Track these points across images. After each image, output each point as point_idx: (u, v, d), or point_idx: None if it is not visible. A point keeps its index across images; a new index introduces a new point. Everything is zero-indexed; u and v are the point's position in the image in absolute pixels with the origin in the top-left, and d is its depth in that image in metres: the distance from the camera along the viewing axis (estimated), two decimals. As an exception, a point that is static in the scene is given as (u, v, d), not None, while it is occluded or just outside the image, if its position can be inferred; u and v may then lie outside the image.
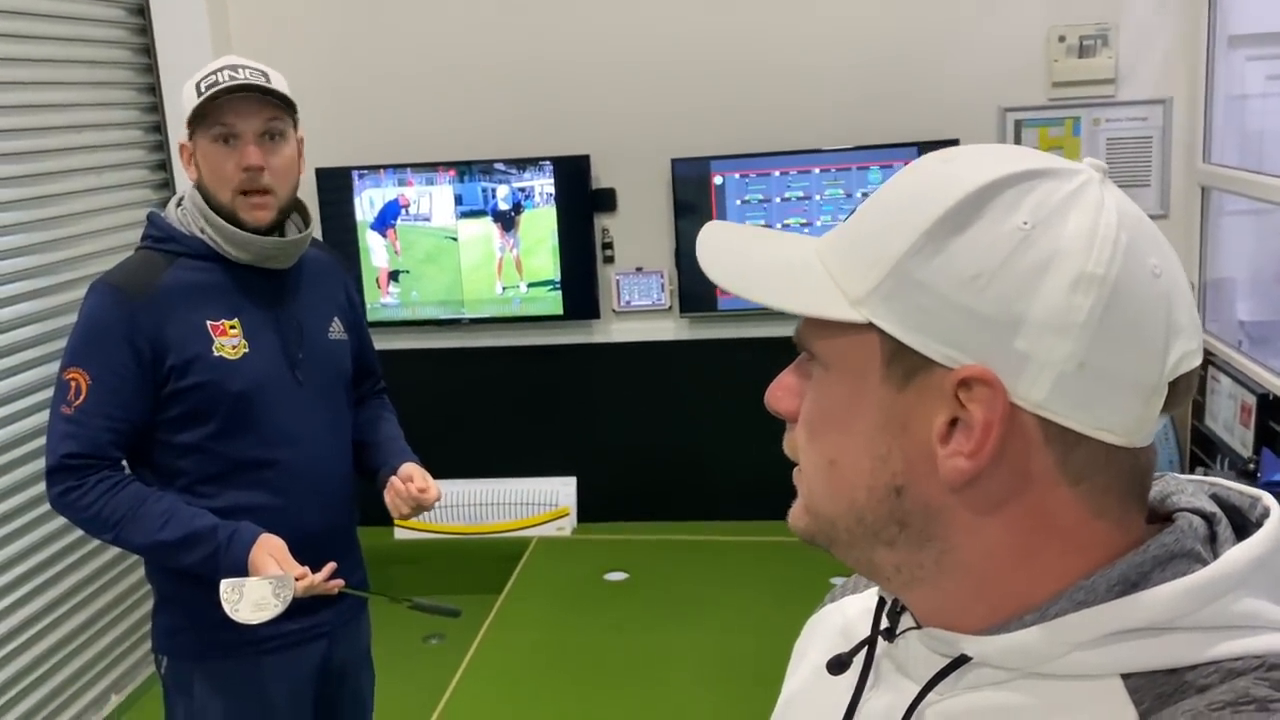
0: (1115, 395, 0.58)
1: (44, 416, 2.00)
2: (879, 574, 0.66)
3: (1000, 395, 0.57)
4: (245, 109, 1.78)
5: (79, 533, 3.01)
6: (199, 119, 1.78)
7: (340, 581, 1.84)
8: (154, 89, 3.55)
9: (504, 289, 3.96)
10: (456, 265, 3.96)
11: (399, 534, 4.02)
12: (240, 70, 1.78)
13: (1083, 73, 3.60)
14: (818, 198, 3.76)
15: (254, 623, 1.70)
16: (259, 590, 1.71)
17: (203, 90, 1.76)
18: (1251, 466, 2.98)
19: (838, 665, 0.71)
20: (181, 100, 1.79)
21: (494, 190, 3.90)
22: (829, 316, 0.62)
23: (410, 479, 1.91)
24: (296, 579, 1.74)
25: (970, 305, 0.58)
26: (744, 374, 3.96)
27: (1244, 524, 0.63)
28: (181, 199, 1.85)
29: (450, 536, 4.05)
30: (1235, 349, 3.23)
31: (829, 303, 0.62)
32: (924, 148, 3.66)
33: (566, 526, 4.06)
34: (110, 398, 1.74)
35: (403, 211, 3.95)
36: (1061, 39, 3.60)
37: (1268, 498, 0.63)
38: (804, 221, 3.77)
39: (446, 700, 3.00)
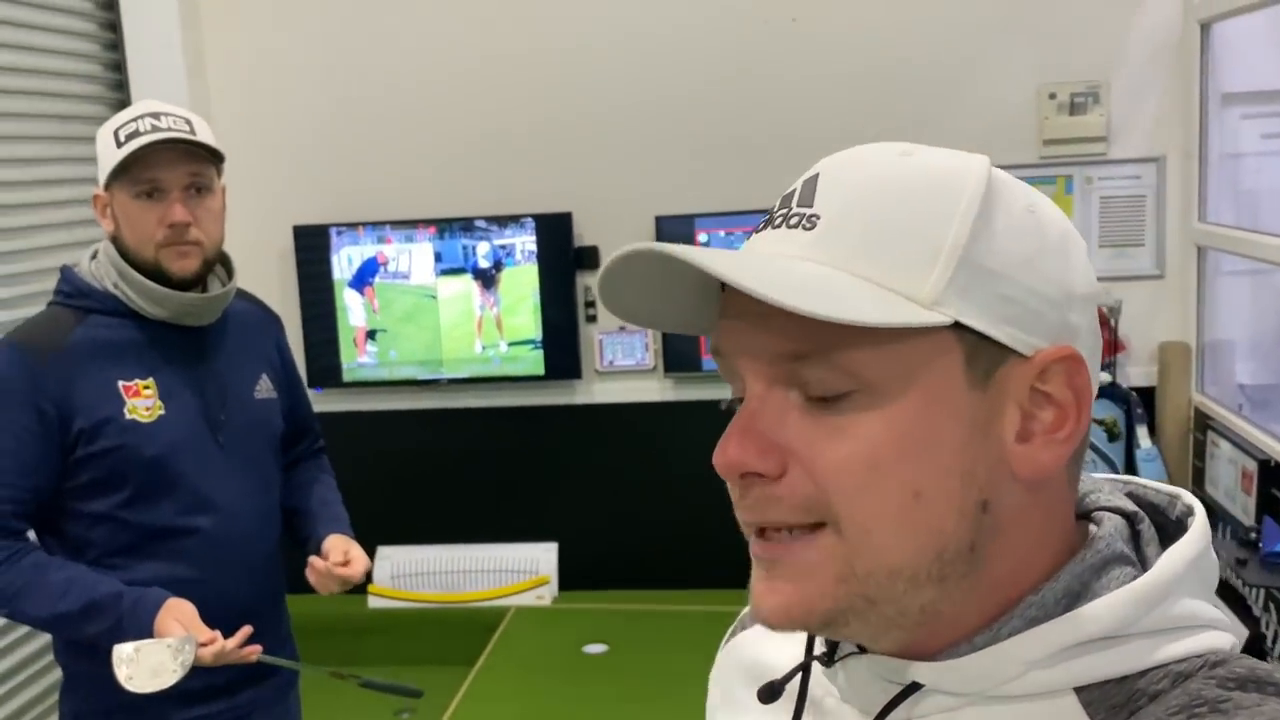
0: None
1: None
2: (893, 627, 0.59)
3: (1084, 370, 0.58)
4: (170, 162, 1.69)
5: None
6: (120, 172, 1.69)
7: (257, 648, 1.70)
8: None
9: (483, 348, 3.87)
10: (436, 324, 3.87)
11: (373, 603, 3.88)
12: (163, 118, 1.69)
13: (1074, 130, 3.51)
14: (804, 257, 3.66)
15: (149, 691, 1.56)
16: (155, 654, 1.58)
17: (122, 140, 1.67)
18: (1254, 535, 2.85)
19: (769, 693, 0.66)
20: (98, 148, 1.71)
21: (474, 247, 3.82)
22: (911, 323, 0.54)
23: (328, 554, 1.78)
24: (203, 643, 1.62)
25: (1035, 287, 0.57)
26: (728, 437, 3.85)
27: (1164, 522, 0.63)
28: (95, 253, 1.75)
29: (425, 605, 3.92)
30: (1235, 413, 3.10)
31: (899, 309, 0.55)
32: (913, 206, 3.58)
33: (546, 595, 3.92)
34: (12, 465, 1.63)
35: (381, 269, 3.87)
36: (1052, 96, 3.53)
37: (1186, 495, 0.63)
38: (790, 281, 3.67)
39: (409, 780, 2.86)
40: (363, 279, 3.88)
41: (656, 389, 3.87)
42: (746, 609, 0.81)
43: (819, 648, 0.66)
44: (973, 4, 3.52)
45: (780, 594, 0.58)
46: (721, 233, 3.69)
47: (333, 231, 3.85)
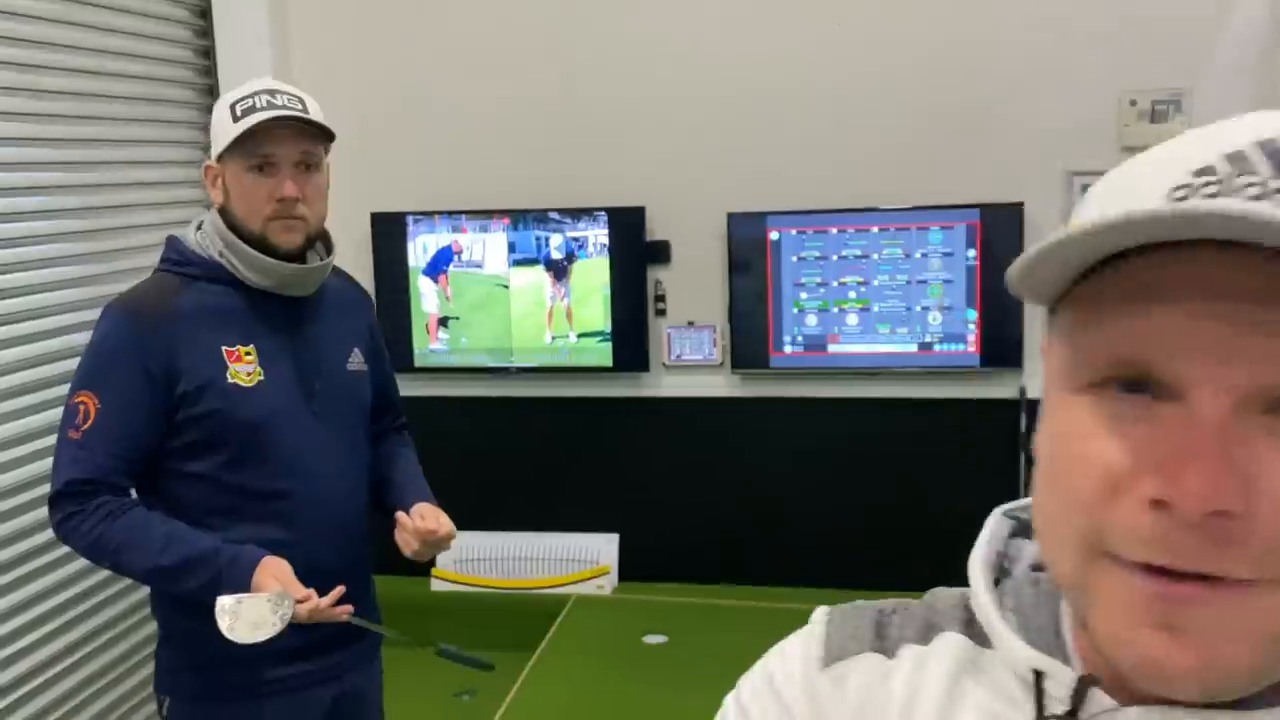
0: None
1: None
2: None
3: None
4: (283, 139, 1.75)
5: (90, 580, 2.93)
6: (235, 145, 1.75)
7: (349, 608, 1.75)
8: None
9: (553, 338, 3.91)
10: (507, 313, 3.92)
11: (435, 585, 3.95)
12: (278, 96, 1.76)
13: (1154, 138, 3.37)
14: (875, 256, 3.66)
15: (250, 642, 1.62)
16: (256, 608, 1.64)
17: (238, 115, 1.74)
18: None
19: None
20: (213, 121, 1.77)
21: (547, 239, 3.87)
22: None
23: (422, 516, 1.83)
24: (299, 601, 1.67)
25: None
26: (795, 433, 3.87)
27: None
28: (201, 223, 1.82)
29: (487, 590, 3.97)
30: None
31: None
32: (986, 210, 3.57)
33: (606, 585, 3.95)
34: (119, 423, 1.70)
35: (455, 258, 3.93)
36: (1133, 103, 3.49)
37: None
38: (861, 280, 3.68)
39: (470, 758, 2.90)
40: (437, 267, 3.95)
41: (723, 384, 3.89)
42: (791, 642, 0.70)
43: (1059, 705, 0.54)
44: (1054, 8, 3.50)
45: (1194, 655, 0.47)
46: (793, 231, 3.71)
47: (409, 219, 3.92)
